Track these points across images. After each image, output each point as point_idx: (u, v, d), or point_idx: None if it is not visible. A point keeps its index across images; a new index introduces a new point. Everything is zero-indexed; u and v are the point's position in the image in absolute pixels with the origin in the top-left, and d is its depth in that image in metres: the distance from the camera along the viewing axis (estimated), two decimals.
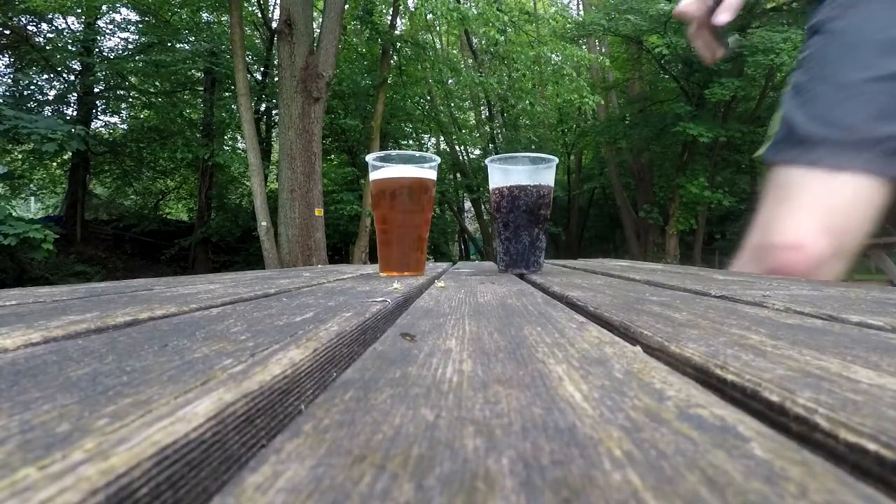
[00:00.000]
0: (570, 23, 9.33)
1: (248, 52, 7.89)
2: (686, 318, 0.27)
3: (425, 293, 0.46)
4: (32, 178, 9.71)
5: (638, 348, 0.20)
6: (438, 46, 11.61)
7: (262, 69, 9.57)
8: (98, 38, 8.90)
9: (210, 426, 0.11)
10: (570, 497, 0.08)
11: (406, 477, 0.09)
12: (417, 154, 0.75)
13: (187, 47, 8.88)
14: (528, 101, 9.47)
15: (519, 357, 0.19)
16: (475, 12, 7.45)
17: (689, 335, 0.22)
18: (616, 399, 0.14)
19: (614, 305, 0.34)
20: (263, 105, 9.63)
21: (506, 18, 7.56)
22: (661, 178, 9.74)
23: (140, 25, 8.91)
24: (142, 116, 10.12)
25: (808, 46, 0.71)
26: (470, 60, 11.74)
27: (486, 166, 0.82)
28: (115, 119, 10.47)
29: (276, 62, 6.51)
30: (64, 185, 9.96)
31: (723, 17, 0.51)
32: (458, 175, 11.91)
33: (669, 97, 9.05)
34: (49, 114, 8.27)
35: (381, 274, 0.76)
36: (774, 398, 0.14)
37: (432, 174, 0.76)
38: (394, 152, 0.75)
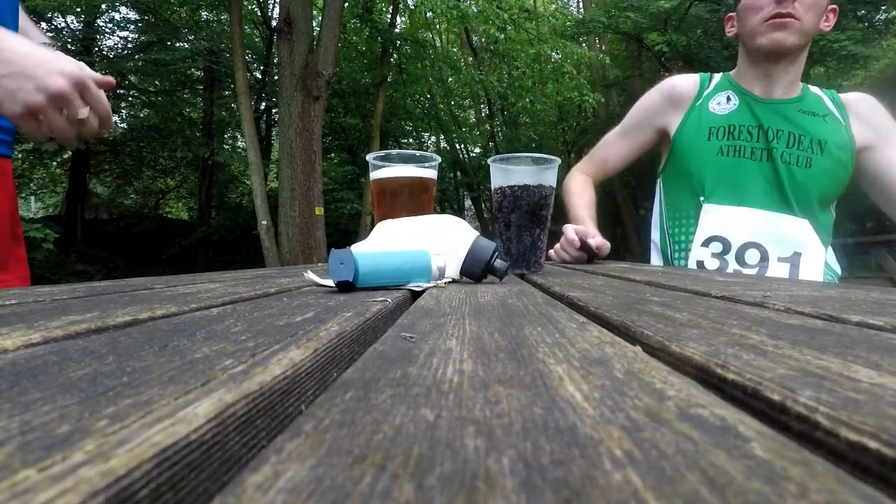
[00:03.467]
0: (569, 20, 9.32)
1: (247, 51, 7.89)
2: (687, 318, 0.27)
3: (425, 293, 0.46)
4: (32, 177, 9.70)
5: (638, 348, 0.20)
6: (438, 44, 11.60)
7: (261, 68, 9.57)
8: (98, 36, 8.89)
9: (210, 427, 0.11)
10: (571, 497, 0.08)
11: (406, 477, 0.09)
12: (418, 153, 0.75)
13: (187, 46, 8.87)
14: (528, 99, 9.46)
15: (519, 357, 0.19)
16: (475, 10, 7.45)
17: (690, 335, 0.22)
18: (616, 399, 0.14)
19: (615, 305, 0.34)
20: (263, 104, 9.62)
21: (505, 16, 7.54)
22: None
23: (139, 24, 8.91)
24: (141, 115, 10.11)
25: None
26: (470, 58, 11.73)
27: (487, 165, 0.82)
28: (114, 118, 10.45)
29: (275, 61, 6.50)
30: (64, 185, 9.95)
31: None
32: (458, 173, 11.90)
33: None
34: None
35: None
36: (775, 397, 0.14)
37: (433, 174, 0.76)
38: (394, 152, 0.75)
